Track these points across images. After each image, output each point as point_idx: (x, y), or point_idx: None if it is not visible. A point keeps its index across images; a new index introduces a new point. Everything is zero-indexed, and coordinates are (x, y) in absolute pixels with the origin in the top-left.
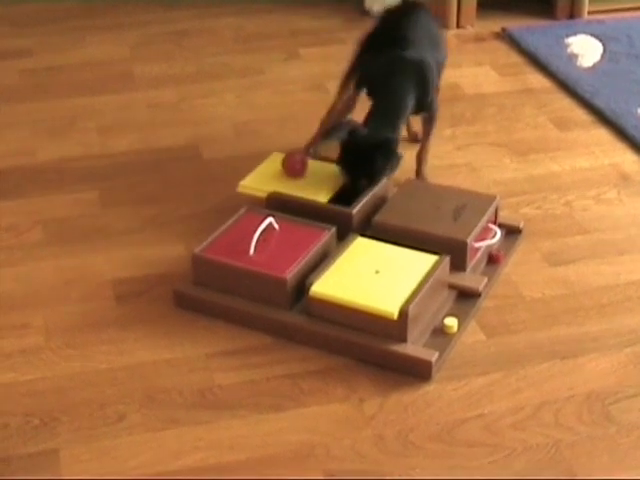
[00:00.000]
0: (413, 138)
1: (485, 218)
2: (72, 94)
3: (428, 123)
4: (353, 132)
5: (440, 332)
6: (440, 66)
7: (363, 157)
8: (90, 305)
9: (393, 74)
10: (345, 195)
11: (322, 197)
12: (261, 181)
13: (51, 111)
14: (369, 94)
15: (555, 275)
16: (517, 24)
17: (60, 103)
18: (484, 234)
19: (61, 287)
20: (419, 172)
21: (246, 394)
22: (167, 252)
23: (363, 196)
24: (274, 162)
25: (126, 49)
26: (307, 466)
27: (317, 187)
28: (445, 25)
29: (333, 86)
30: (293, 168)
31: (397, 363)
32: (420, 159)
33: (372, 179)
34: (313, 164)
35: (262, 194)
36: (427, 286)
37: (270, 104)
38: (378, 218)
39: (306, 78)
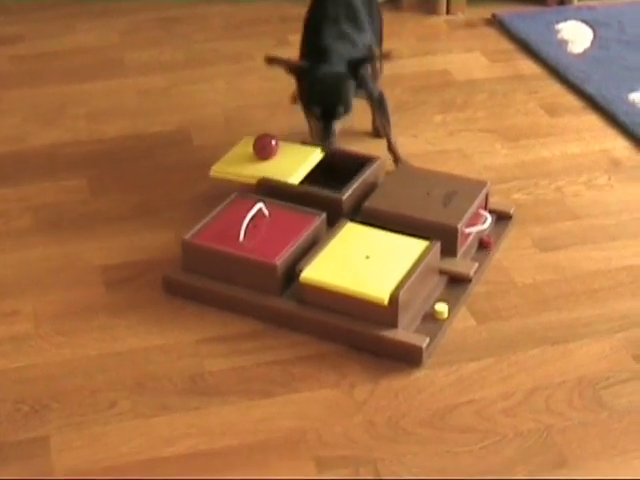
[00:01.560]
0: (376, 132)
1: (476, 204)
2: (62, 81)
3: (379, 109)
4: (311, 69)
5: (431, 318)
6: (364, 45)
7: (331, 89)
8: (80, 292)
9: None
10: (321, 135)
11: (294, 178)
12: (233, 164)
13: (41, 97)
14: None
15: (546, 261)
16: (507, 10)
17: (50, 89)
18: (475, 220)
19: (50, 274)
20: (397, 159)
21: (236, 380)
22: (157, 239)
23: (353, 182)
24: (246, 145)
25: (116, 36)
26: (298, 452)
27: (289, 168)
28: (435, 12)
29: None
30: (263, 150)
31: (388, 349)
32: (392, 149)
33: (346, 106)
34: (284, 145)
35: (234, 177)
36: (418, 272)
37: (260, 90)
38: (368, 204)
39: None
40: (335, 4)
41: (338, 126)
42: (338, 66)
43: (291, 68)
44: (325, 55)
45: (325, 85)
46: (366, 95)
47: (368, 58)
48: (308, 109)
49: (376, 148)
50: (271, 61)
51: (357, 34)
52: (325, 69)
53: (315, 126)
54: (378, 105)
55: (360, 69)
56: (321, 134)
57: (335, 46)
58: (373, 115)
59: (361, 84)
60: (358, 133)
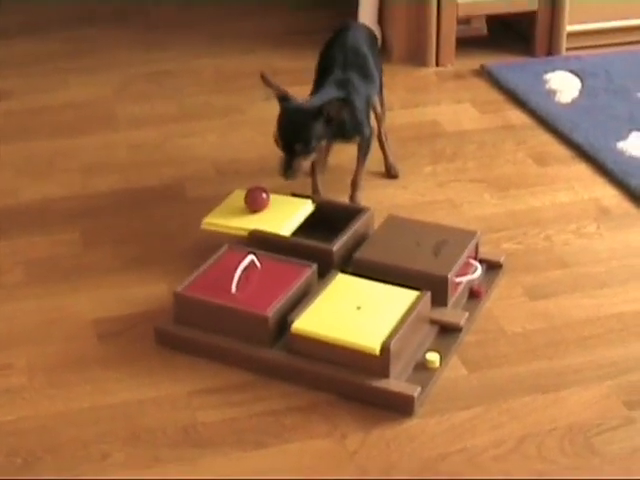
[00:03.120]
0: (389, 172)
1: (466, 253)
2: (54, 135)
3: (362, 149)
4: (285, 100)
5: (422, 367)
6: (367, 92)
7: (292, 125)
8: (72, 345)
9: None
10: (279, 166)
11: (285, 230)
12: (224, 217)
13: (33, 152)
14: None
15: (536, 309)
16: (496, 61)
17: (42, 144)
18: (465, 269)
19: (43, 327)
20: (353, 197)
21: (229, 431)
22: (149, 291)
23: (344, 233)
24: (237, 198)
25: (108, 90)
26: None
27: (280, 220)
28: (425, 63)
29: None
30: (255, 202)
31: (379, 398)
32: (354, 185)
33: (306, 144)
34: (275, 198)
35: (225, 229)
36: (409, 321)
37: (251, 143)
38: (359, 254)
39: None
40: (343, 50)
41: (301, 162)
42: (317, 104)
43: (276, 94)
44: (316, 93)
45: (288, 120)
46: (358, 135)
47: (338, 99)
48: (274, 139)
49: (387, 193)
50: (265, 80)
51: (363, 81)
52: (297, 104)
53: (280, 157)
54: (364, 145)
55: (331, 110)
56: (280, 166)
57: (329, 87)
58: (385, 156)
59: (361, 131)
60: (373, 175)
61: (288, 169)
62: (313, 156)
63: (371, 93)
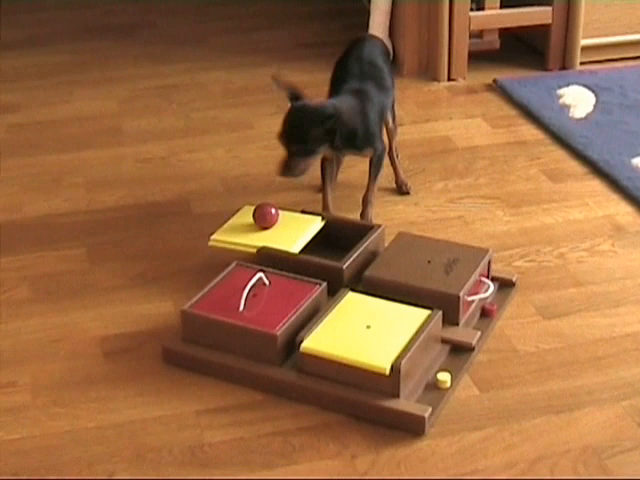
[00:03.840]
0: (400, 189)
1: (478, 271)
2: (60, 149)
3: (374, 164)
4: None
5: (433, 387)
6: (381, 104)
7: (297, 123)
8: (78, 362)
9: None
10: (279, 165)
11: (294, 247)
12: (232, 233)
13: (39, 166)
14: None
15: (549, 328)
16: (509, 75)
17: (48, 158)
18: (477, 288)
19: (48, 344)
20: (364, 214)
21: (237, 452)
22: (156, 309)
23: (354, 251)
24: (245, 214)
25: (115, 104)
26: None
27: (289, 237)
28: (436, 78)
29: None
30: (263, 219)
31: (390, 419)
32: (365, 201)
33: (304, 145)
34: (284, 214)
35: (233, 246)
36: (419, 341)
37: (259, 159)
38: (369, 273)
39: None
40: (360, 62)
41: (300, 163)
42: (324, 108)
43: (288, 94)
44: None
45: (291, 119)
46: (370, 146)
47: (334, 115)
48: (277, 137)
49: (398, 210)
50: (276, 81)
51: (378, 93)
52: (305, 104)
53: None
54: (376, 160)
55: (330, 122)
56: (279, 164)
57: (345, 95)
58: (395, 173)
59: (373, 144)
60: (384, 191)
61: (285, 168)
62: (313, 159)
63: (386, 105)
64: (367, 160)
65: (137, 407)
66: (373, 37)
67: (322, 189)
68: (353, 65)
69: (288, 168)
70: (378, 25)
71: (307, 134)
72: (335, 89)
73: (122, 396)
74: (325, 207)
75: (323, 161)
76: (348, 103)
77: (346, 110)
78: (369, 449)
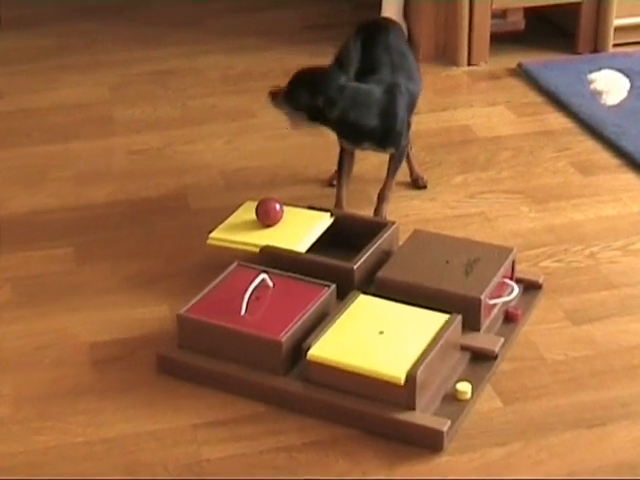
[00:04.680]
0: (415, 183)
1: (501, 272)
2: (46, 140)
3: (395, 160)
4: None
5: (452, 398)
6: (412, 96)
7: (301, 75)
8: (64, 372)
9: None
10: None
11: (300, 246)
12: (233, 231)
13: (22, 158)
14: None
15: (579, 335)
16: (534, 59)
17: (32, 150)
18: (500, 290)
19: (32, 352)
20: (378, 210)
21: (237, 469)
22: (149, 313)
23: (366, 250)
24: (247, 211)
25: (105, 90)
26: None
27: (295, 235)
28: (455, 62)
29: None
30: (267, 215)
31: (404, 433)
32: (381, 197)
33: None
34: (289, 210)
35: (234, 245)
36: (437, 348)
37: (262, 150)
38: (382, 274)
39: None
40: (389, 52)
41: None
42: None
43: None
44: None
45: (307, 69)
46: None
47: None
48: None
49: (413, 206)
50: (274, 99)
51: (409, 86)
52: (330, 67)
53: None
54: (398, 155)
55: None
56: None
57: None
58: (410, 166)
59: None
60: (398, 186)
61: (274, 97)
62: (290, 113)
63: (416, 97)
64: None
65: (129, 420)
66: (393, 21)
67: (337, 182)
68: (382, 55)
69: (275, 100)
70: (392, 5)
71: (295, 89)
72: (362, 81)
73: (112, 408)
74: (338, 203)
75: (342, 152)
76: (371, 94)
77: (357, 99)
78: (382, 466)
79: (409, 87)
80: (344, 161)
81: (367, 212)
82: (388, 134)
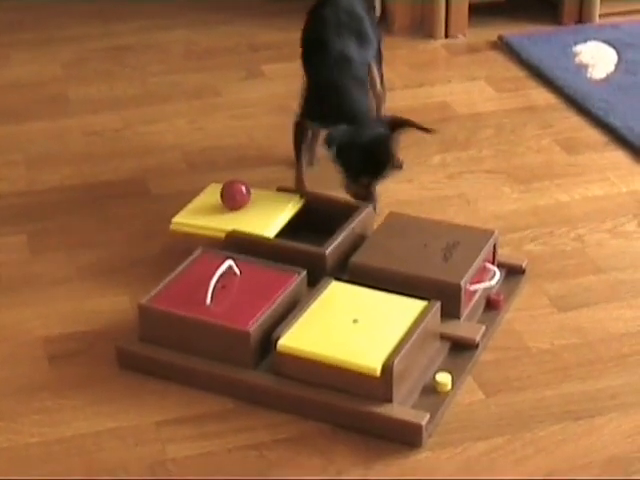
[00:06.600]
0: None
1: (481, 257)
2: None
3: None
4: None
5: (431, 390)
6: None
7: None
8: (17, 368)
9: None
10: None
11: (269, 231)
12: (196, 216)
13: None
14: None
15: (565, 322)
16: (516, 31)
17: None
18: (481, 276)
19: None
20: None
21: (204, 469)
22: (109, 304)
23: (338, 234)
24: (212, 194)
25: (59, 68)
26: None
27: (262, 219)
28: (432, 35)
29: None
30: (233, 198)
31: (381, 428)
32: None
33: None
34: (256, 193)
35: (198, 231)
36: (415, 337)
37: (228, 130)
38: (356, 259)
39: (269, 99)
40: (336, 12)
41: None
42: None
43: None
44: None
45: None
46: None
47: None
48: None
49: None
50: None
51: (359, 49)
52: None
53: None
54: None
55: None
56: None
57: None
58: None
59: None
60: None
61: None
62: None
63: (367, 60)
64: None
65: (88, 419)
66: None
67: (296, 162)
68: (329, 16)
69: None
70: None
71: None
72: (311, 56)
73: (70, 406)
74: (299, 183)
75: (296, 129)
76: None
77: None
78: (357, 464)
79: (358, 53)
80: (299, 138)
81: (338, 193)
82: (341, 113)
